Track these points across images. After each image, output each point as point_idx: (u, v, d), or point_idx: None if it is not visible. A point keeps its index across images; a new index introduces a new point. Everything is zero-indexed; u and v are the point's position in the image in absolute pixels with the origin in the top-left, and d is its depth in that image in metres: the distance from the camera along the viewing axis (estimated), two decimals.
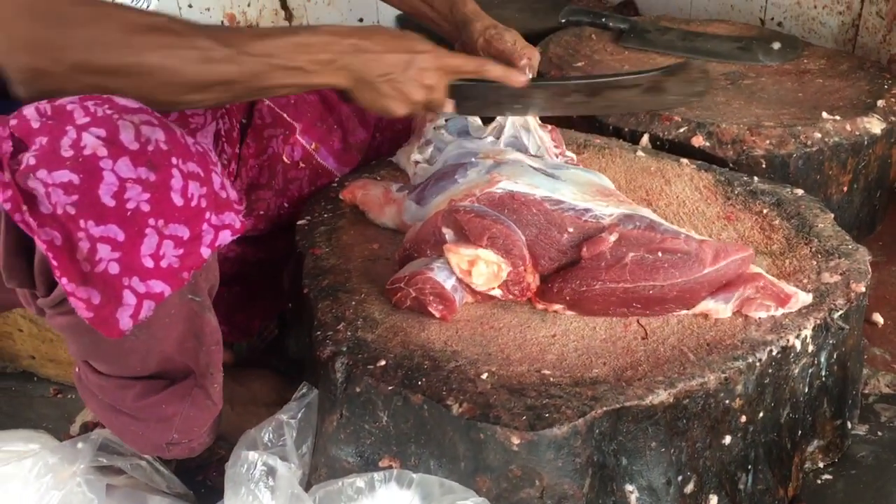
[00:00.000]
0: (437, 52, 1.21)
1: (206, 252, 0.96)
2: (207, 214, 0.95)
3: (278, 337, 1.64)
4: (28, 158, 0.88)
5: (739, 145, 1.60)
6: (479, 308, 1.18)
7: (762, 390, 1.10)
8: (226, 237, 0.97)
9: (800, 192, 1.40)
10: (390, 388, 1.05)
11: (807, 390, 1.18)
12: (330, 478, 1.10)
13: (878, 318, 1.58)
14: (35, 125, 0.90)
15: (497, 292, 1.16)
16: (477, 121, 1.47)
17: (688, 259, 1.11)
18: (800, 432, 1.21)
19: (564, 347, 1.11)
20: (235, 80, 1.05)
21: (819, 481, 1.27)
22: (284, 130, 1.46)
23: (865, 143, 1.62)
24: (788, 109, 1.71)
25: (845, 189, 1.66)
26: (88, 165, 0.89)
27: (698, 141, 1.62)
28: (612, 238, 1.12)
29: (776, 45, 1.96)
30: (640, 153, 1.53)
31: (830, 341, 1.16)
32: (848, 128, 1.61)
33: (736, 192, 1.40)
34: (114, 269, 0.90)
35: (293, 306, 1.47)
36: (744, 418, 1.10)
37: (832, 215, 1.34)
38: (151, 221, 0.91)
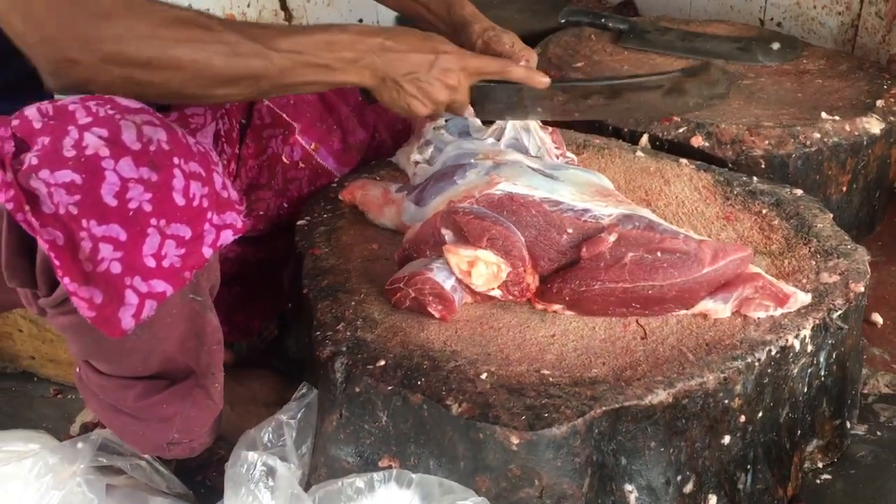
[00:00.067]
0: (460, 53, 1.21)
1: (207, 252, 0.96)
2: (209, 214, 0.96)
3: (278, 337, 1.64)
4: (30, 158, 0.89)
5: (739, 145, 1.60)
6: (478, 308, 1.19)
7: (761, 390, 1.10)
8: (227, 237, 0.98)
9: (799, 192, 1.40)
10: (390, 388, 1.05)
11: (806, 390, 1.18)
12: (329, 478, 1.10)
13: (878, 318, 1.58)
14: (37, 125, 0.91)
15: (497, 293, 1.16)
16: (477, 121, 1.47)
17: (687, 259, 1.11)
18: (799, 432, 1.21)
19: (564, 347, 1.11)
20: (263, 74, 1.05)
21: (818, 481, 1.27)
22: (284, 130, 1.46)
23: (864, 143, 1.62)
24: (788, 110, 1.71)
25: (844, 189, 1.66)
26: (90, 165, 0.89)
27: (697, 141, 1.62)
28: (612, 238, 1.12)
29: (775, 46, 1.96)
30: (639, 153, 1.54)
31: (829, 341, 1.16)
32: (847, 128, 1.61)
33: (735, 193, 1.40)
34: (116, 268, 0.91)
35: (293, 306, 1.47)
36: (743, 418, 1.10)
37: (831, 215, 1.34)
38: (153, 221, 0.91)
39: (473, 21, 1.34)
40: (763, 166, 1.59)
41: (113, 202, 0.89)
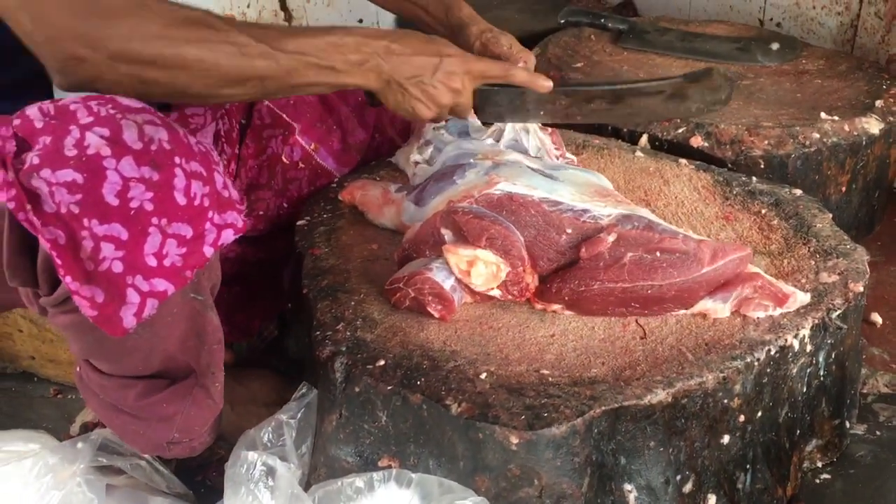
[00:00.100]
0: (464, 57, 1.21)
1: (208, 251, 0.96)
2: (210, 213, 0.96)
3: (278, 337, 1.64)
4: (32, 158, 0.89)
5: (738, 146, 1.60)
6: (477, 308, 1.19)
7: (760, 390, 1.10)
8: (228, 236, 0.98)
9: (798, 192, 1.40)
10: (389, 387, 1.05)
11: (805, 390, 1.18)
12: (329, 477, 1.11)
13: (877, 318, 1.58)
14: (38, 125, 0.91)
15: (496, 292, 1.16)
16: (477, 122, 1.47)
17: (686, 259, 1.11)
18: (798, 432, 1.21)
19: (563, 347, 1.11)
20: (269, 75, 1.05)
21: (817, 481, 1.27)
22: (284, 131, 1.46)
23: (864, 143, 1.62)
24: (787, 110, 1.71)
25: (844, 189, 1.66)
26: (92, 165, 0.89)
27: (697, 141, 1.62)
28: (611, 238, 1.12)
29: (775, 46, 1.96)
30: (638, 153, 1.54)
31: (829, 341, 1.16)
32: (846, 128, 1.62)
33: (734, 193, 1.41)
34: (117, 267, 0.91)
35: (293, 306, 1.47)
36: (742, 418, 1.10)
37: (830, 215, 1.34)
38: (155, 220, 0.92)
39: (471, 23, 1.34)
40: (762, 166, 1.59)
41: (114, 201, 0.90)
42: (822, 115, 1.65)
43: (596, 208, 1.17)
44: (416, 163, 1.45)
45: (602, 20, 2.12)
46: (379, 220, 1.38)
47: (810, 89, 1.82)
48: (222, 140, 1.39)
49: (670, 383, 1.03)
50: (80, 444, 1.22)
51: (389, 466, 1.08)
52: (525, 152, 1.39)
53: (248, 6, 2.41)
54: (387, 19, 2.52)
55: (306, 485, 1.14)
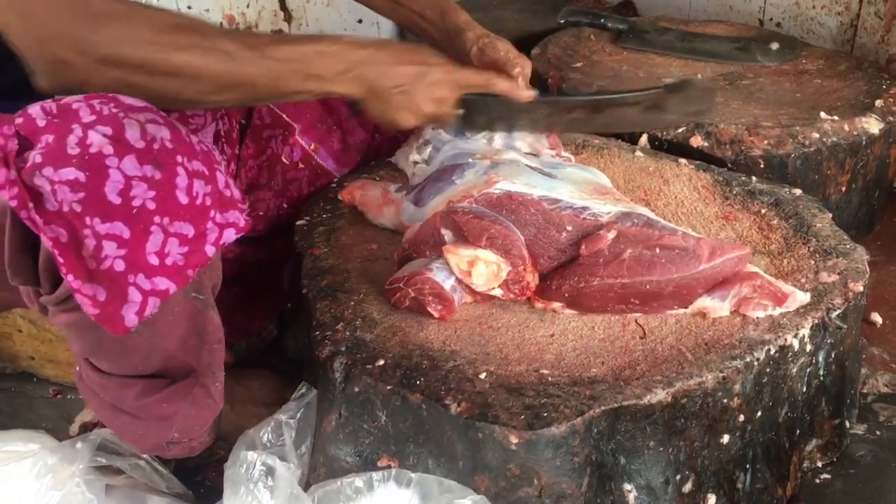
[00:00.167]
0: (448, 66, 1.21)
1: (210, 250, 0.96)
2: (212, 212, 0.96)
3: (277, 337, 1.64)
4: (34, 156, 0.89)
5: (738, 145, 1.60)
6: (477, 308, 1.19)
7: (760, 389, 1.10)
8: (230, 235, 0.98)
9: (798, 191, 1.40)
10: (389, 387, 1.05)
11: (805, 389, 1.18)
12: (329, 477, 1.11)
13: (877, 318, 1.58)
14: (41, 123, 0.91)
15: (497, 292, 1.16)
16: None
17: (684, 255, 1.11)
18: (798, 431, 1.21)
19: (563, 347, 1.11)
20: (257, 82, 1.06)
21: (817, 480, 1.27)
22: (283, 131, 1.46)
23: (863, 143, 1.62)
24: (787, 110, 1.71)
25: (843, 189, 1.66)
26: (94, 163, 0.89)
27: (697, 141, 1.62)
28: (611, 235, 1.12)
29: (774, 46, 1.96)
30: (638, 153, 1.54)
31: (828, 340, 1.16)
32: (846, 128, 1.62)
33: (734, 192, 1.41)
34: (119, 266, 0.91)
35: (292, 306, 1.47)
36: (742, 417, 1.10)
37: (830, 215, 1.34)
38: (157, 219, 0.92)
39: (468, 28, 1.34)
40: (762, 166, 1.59)
41: (117, 200, 0.90)
42: (822, 114, 1.65)
43: (595, 206, 1.17)
44: (415, 163, 1.45)
45: (602, 20, 2.12)
46: (378, 220, 1.38)
47: (810, 89, 1.82)
48: (222, 140, 1.39)
49: (670, 383, 1.03)
50: (79, 445, 1.22)
51: (389, 466, 1.08)
52: (518, 150, 1.39)
53: (248, 6, 2.41)
54: (387, 21, 2.52)
55: (306, 485, 1.14)
